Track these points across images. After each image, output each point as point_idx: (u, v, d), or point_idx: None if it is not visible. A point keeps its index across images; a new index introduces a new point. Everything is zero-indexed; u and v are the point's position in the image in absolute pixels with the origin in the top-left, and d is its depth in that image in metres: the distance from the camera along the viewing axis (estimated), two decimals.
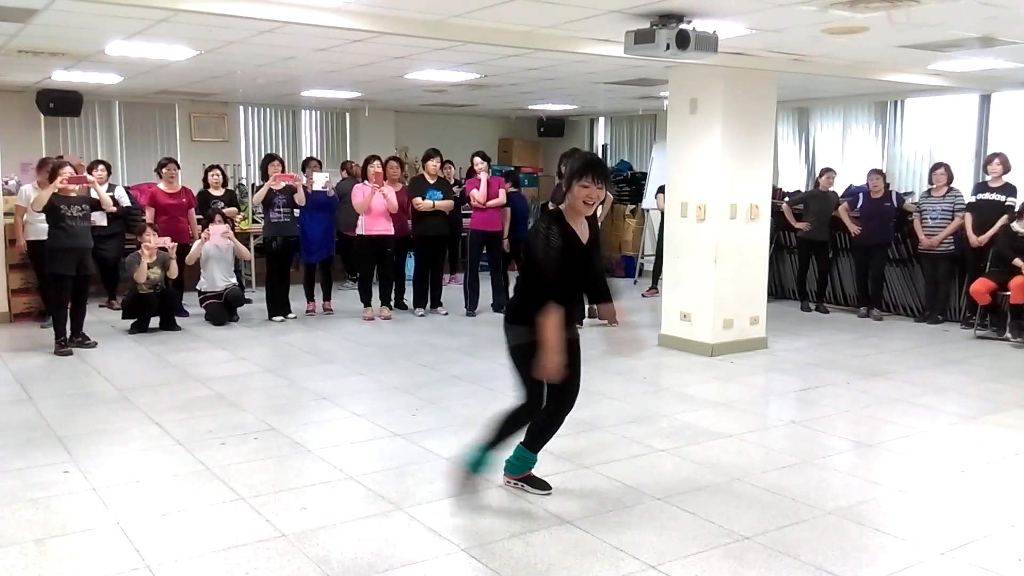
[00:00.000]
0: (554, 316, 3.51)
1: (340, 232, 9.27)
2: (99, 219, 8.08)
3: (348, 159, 11.77)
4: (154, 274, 7.80)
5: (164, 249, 7.90)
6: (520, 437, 3.91)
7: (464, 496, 3.85)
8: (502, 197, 8.78)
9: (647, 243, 12.04)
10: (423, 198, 8.61)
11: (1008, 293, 7.56)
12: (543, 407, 3.81)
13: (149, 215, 8.57)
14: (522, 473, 3.98)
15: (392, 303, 8.93)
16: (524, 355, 3.66)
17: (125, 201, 9.01)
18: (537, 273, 3.61)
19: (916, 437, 4.97)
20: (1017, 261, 7.53)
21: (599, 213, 8.45)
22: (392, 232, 8.55)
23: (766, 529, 3.61)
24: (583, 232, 3.72)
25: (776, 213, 9.06)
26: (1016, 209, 7.83)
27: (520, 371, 3.74)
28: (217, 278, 8.39)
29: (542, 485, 3.97)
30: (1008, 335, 7.73)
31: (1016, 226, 7.68)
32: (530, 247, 3.68)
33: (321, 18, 5.32)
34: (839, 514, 3.79)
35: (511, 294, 3.99)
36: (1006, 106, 9.25)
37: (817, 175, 9.79)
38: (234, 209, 9.16)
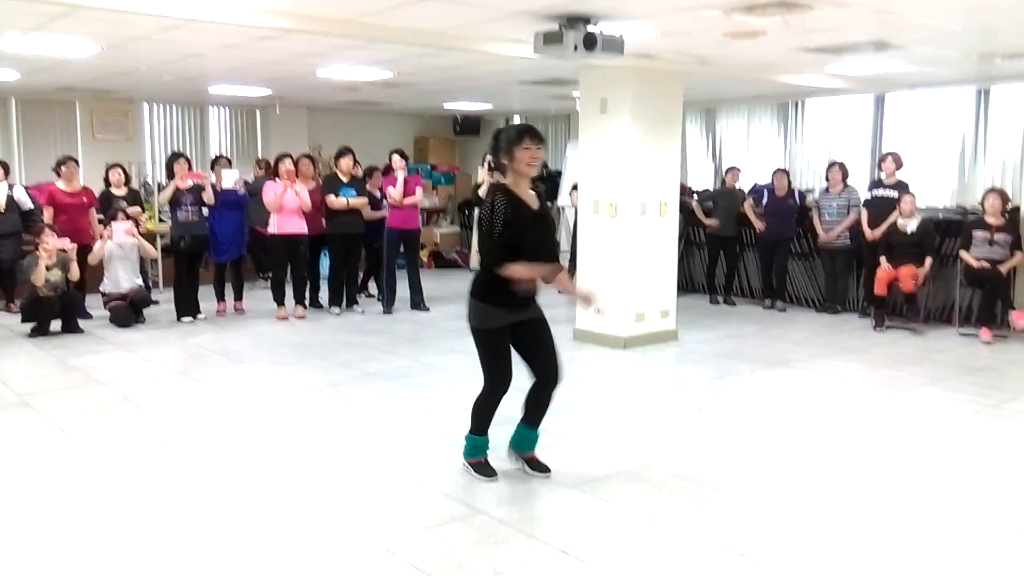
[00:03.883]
0: (515, 267, 3.76)
1: (252, 228, 9.12)
2: None
3: (261, 156, 11.57)
4: (54, 276, 7.53)
5: (64, 251, 7.62)
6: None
7: (485, 480, 4.06)
8: (419, 195, 8.81)
9: (563, 239, 12.18)
10: (336, 196, 8.55)
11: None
12: (528, 385, 4.02)
13: (48, 215, 8.25)
14: (524, 452, 4.19)
15: (307, 302, 8.84)
16: (483, 338, 3.91)
17: (28, 204, 8.66)
18: (490, 248, 3.80)
19: (817, 424, 5.21)
20: (883, 262, 7.97)
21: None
22: (306, 231, 8.46)
23: (674, 513, 3.74)
24: (532, 201, 3.90)
25: (686, 210, 9.33)
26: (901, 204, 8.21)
27: (479, 352, 3.96)
28: (121, 279, 8.14)
29: (542, 468, 4.16)
30: (914, 325, 8.08)
31: (901, 223, 8.04)
32: (482, 221, 3.85)
33: (228, 15, 5.23)
34: (744, 496, 3.96)
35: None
36: (899, 106, 9.72)
37: (724, 173, 10.11)
38: (138, 209, 8.89)
